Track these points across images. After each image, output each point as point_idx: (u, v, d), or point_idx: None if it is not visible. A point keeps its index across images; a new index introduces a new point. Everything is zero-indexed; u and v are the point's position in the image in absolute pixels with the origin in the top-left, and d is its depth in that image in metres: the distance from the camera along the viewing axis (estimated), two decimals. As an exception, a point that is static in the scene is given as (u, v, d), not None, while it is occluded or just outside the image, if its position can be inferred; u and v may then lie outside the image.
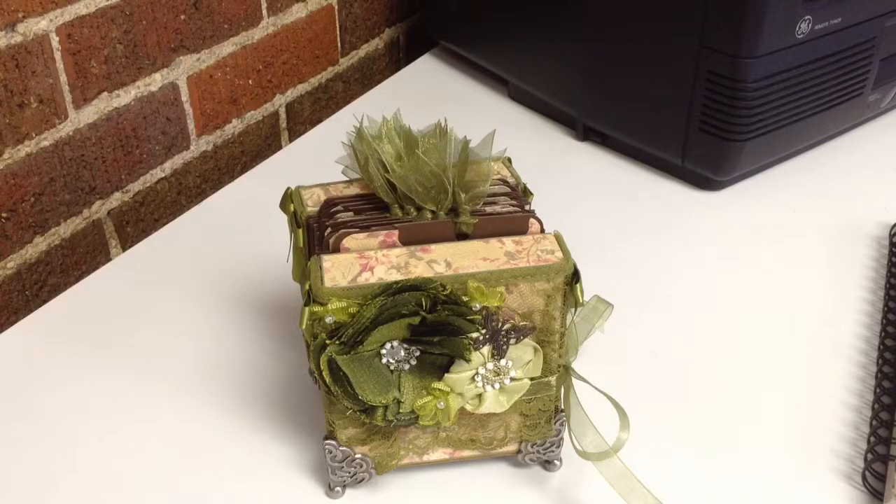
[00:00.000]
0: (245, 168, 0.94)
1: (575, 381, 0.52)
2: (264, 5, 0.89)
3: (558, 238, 0.49)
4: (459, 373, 0.48)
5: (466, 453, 0.54)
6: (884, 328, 0.65)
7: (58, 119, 0.72)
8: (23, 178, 0.71)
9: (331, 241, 0.49)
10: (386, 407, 0.48)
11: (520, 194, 0.54)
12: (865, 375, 0.62)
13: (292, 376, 0.63)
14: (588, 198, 0.82)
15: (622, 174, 0.86)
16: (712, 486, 0.54)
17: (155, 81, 0.80)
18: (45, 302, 0.74)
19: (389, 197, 0.51)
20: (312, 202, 0.54)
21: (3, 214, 0.70)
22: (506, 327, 0.48)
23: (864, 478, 0.54)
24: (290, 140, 0.99)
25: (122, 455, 0.57)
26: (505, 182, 0.55)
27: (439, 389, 0.48)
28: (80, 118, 0.74)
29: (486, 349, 0.48)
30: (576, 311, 0.50)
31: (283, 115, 0.97)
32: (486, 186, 0.50)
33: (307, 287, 0.46)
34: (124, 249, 0.82)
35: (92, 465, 0.56)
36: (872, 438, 0.56)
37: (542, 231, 0.51)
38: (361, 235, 0.49)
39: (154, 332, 0.67)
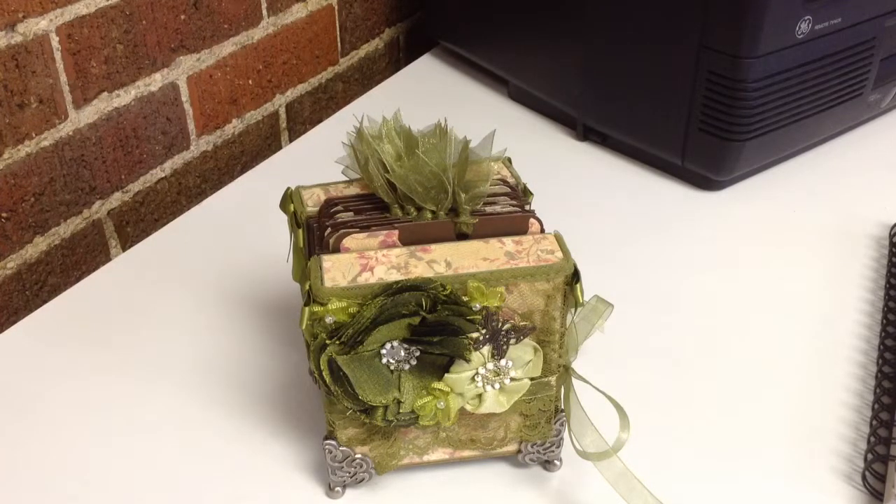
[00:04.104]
0: (245, 168, 0.94)
1: (575, 381, 0.52)
2: (264, 5, 0.89)
3: (558, 238, 0.49)
4: (459, 373, 0.48)
5: (466, 453, 0.54)
6: (884, 328, 0.65)
7: (58, 119, 0.72)
8: (23, 178, 0.71)
9: (331, 241, 0.49)
10: (386, 407, 0.48)
11: (520, 194, 0.54)
12: (865, 375, 0.62)
13: (292, 376, 0.63)
14: (588, 198, 0.82)
15: (622, 174, 0.86)
16: (712, 486, 0.54)
17: (155, 81, 0.80)
18: (45, 302, 0.74)
19: (389, 197, 0.51)
20: (312, 202, 0.54)
21: (3, 214, 0.70)
22: (506, 327, 0.48)
23: (864, 478, 0.54)
24: (290, 140, 0.99)
25: (122, 455, 0.57)
26: (505, 182, 0.55)
27: (439, 389, 0.48)
28: (80, 118, 0.74)
29: (486, 349, 0.48)
30: (576, 311, 0.50)
31: (283, 115, 0.97)
32: (486, 186, 0.50)
33: (307, 287, 0.46)
34: (124, 249, 0.82)
35: (92, 464, 0.56)
36: (872, 438, 0.56)
37: (542, 231, 0.51)
38: (361, 235, 0.49)
39: (154, 333, 0.67)
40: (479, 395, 0.49)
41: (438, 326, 0.46)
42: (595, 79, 0.86)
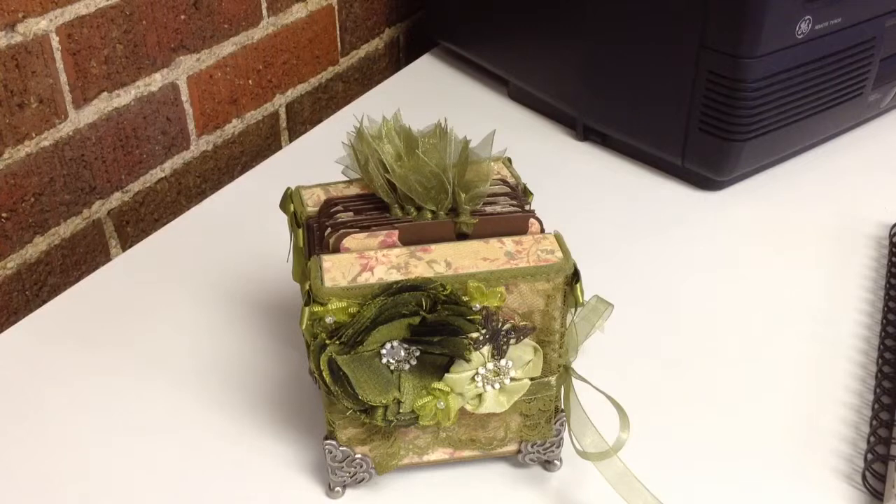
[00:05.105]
0: (245, 168, 0.94)
1: (575, 381, 0.52)
2: (264, 5, 0.89)
3: (558, 238, 0.49)
4: (459, 373, 0.48)
5: (466, 453, 0.54)
6: (884, 328, 0.65)
7: (58, 119, 0.72)
8: (23, 178, 0.71)
9: (331, 241, 0.49)
10: (386, 407, 0.48)
11: (520, 194, 0.54)
12: (865, 375, 0.62)
13: (292, 376, 0.63)
14: (588, 198, 0.82)
15: (622, 174, 0.86)
16: (712, 486, 0.54)
17: (155, 81, 0.80)
18: (45, 302, 0.74)
19: (389, 197, 0.51)
20: (312, 202, 0.54)
21: (3, 214, 0.70)
22: (506, 327, 0.48)
23: (864, 478, 0.54)
24: (290, 140, 0.99)
25: (122, 455, 0.57)
26: (505, 182, 0.55)
27: (439, 389, 0.48)
28: (80, 118, 0.74)
29: (486, 349, 0.48)
30: (576, 311, 0.50)
31: (283, 115, 0.97)
32: (486, 186, 0.50)
33: (307, 287, 0.46)
34: (124, 249, 0.82)
35: (91, 465, 0.56)
36: (872, 438, 0.56)
37: (542, 231, 0.51)
38: (361, 235, 0.49)
39: (154, 332, 0.67)
40: (479, 395, 0.49)
41: (438, 326, 0.46)
42: (595, 79, 0.86)
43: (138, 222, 0.83)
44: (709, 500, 0.54)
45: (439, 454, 0.54)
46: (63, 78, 0.71)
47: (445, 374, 0.48)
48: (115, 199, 0.80)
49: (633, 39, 0.80)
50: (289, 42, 0.94)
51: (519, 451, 0.54)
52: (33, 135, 0.70)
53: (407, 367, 0.48)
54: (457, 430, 0.52)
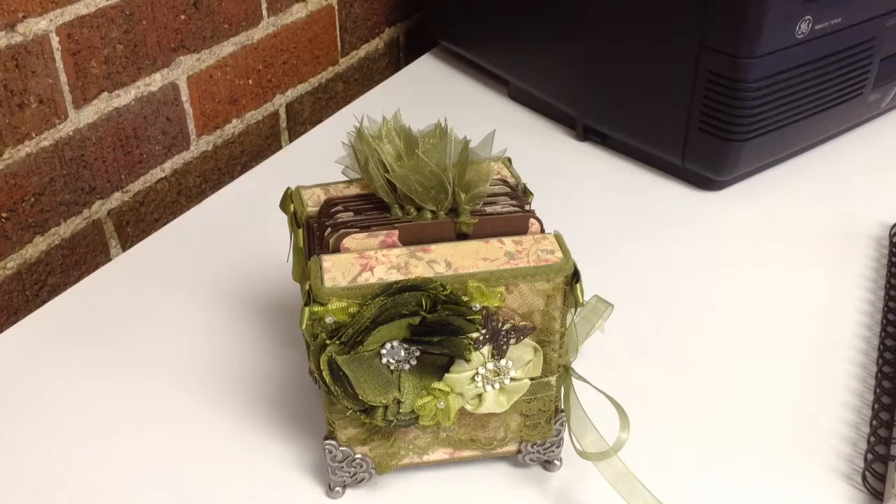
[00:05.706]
0: (245, 168, 0.94)
1: (575, 381, 0.52)
2: (264, 5, 0.89)
3: (558, 238, 0.49)
4: (459, 373, 0.48)
5: (466, 453, 0.54)
6: (884, 328, 0.65)
7: (58, 119, 0.72)
8: (23, 178, 0.71)
9: (331, 241, 0.49)
10: (386, 407, 0.48)
11: (520, 194, 0.54)
12: (865, 375, 0.62)
13: (292, 376, 0.63)
14: (588, 198, 0.82)
15: (622, 174, 0.86)
16: (712, 486, 0.54)
17: (155, 81, 0.80)
18: (45, 302, 0.74)
19: (389, 197, 0.51)
20: (312, 202, 0.54)
21: (3, 214, 0.70)
22: (506, 327, 0.48)
23: (864, 478, 0.54)
24: (290, 140, 0.99)
25: (122, 455, 0.57)
26: (505, 182, 0.55)
27: (439, 389, 0.48)
28: (80, 118, 0.74)
29: (486, 349, 0.48)
30: (576, 311, 0.50)
31: (283, 115, 0.97)
32: (486, 186, 0.50)
33: (307, 287, 0.46)
34: (124, 249, 0.82)
35: (91, 465, 0.56)
36: (872, 438, 0.56)
37: (542, 231, 0.51)
38: (361, 235, 0.49)
39: (154, 333, 0.67)
40: (479, 395, 0.49)
41: (438, 326, 0.46)
42: (595, 79, 0.85)
43: (138, 222, 0.83)
44: (709, 500, 0.54)
45: (439, 454, 0.54)
46: (63, 78, 0.71)
47: (445, 374, 0.48)
48: (115, 199, 0.80)
49: (633, 39, 0.80)
50: (289, 42, 0.94)
51: (519, 451, 0.54)
52: (33, 135, 0.70)
53: (407, 367, 0.48)
54: (457, 430, 0.52)
